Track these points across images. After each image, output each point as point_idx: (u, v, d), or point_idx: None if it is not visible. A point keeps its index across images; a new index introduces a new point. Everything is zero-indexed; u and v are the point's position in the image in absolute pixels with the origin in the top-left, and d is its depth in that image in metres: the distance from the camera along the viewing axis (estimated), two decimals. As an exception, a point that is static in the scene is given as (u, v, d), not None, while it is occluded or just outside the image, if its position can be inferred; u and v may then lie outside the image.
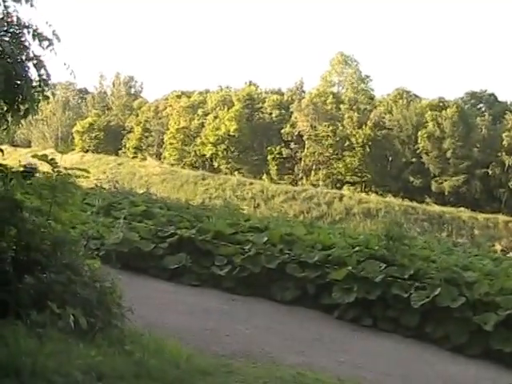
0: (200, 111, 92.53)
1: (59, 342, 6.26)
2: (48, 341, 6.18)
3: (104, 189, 21.63)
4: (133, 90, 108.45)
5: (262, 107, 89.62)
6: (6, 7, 6.94)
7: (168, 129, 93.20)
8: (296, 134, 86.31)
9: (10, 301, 6.56)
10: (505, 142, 77.39)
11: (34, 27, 7.00)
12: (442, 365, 10.67)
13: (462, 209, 72.75)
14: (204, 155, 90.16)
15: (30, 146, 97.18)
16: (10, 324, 6.26)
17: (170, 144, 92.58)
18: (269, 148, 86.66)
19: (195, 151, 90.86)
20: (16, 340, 5.97)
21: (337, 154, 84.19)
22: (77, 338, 6.56)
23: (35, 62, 7.05)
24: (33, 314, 6.52)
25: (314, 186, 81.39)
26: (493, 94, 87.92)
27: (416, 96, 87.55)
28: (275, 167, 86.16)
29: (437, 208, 73.11)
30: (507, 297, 11.88)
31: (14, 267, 6.83)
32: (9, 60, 6.84)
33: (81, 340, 6.56)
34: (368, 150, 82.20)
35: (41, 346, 6.05)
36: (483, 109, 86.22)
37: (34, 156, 7.57)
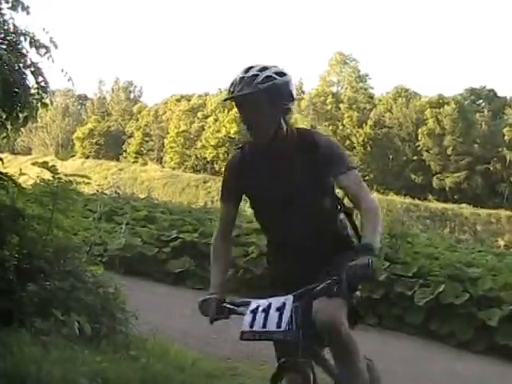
0: (200, 114, 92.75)
1: (64, 349, 6.24)
2: (53, 348, 6.16)
3: (105, 194, 21.61)
4: (132, 95, 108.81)
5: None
6: (1, 14, 6.95)
7: (168, 133, 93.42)
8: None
9: (13, 309, 6.55)
10: (506, 137, 77.50)
11: (31, 34, 7.01)
12: (448, 361, 10.61)
13: (464, 205, 72.83)
14: (205, 158, 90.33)
15: (30, 154, 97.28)
16: (14, 332, 6.23)
17: (171, 148, 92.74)
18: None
19: (196, 154, 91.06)
20: (21, 348, 5.96)
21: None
22: (82, 344, 6.54)
23: (33, 69, 7.05)
24: (37, 321, 6.51)
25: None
26: (492, 90, 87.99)
27: (415, 93, 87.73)
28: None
29: (439, 205, 73.20)
30: (511, 292, 11.87)
31: (17, 275, 6.82)
32: (6, 68, 6.84)
33: (86, 346, 6.55)
34: (369, 148, 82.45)
35: (46, 353, 6.03)
36: (483, 105, 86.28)
37: (34, 163, 7.57)
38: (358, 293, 4.54)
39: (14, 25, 7.01)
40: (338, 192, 4.56)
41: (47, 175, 7.54)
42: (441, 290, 12.02)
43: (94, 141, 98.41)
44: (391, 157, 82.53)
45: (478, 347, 11.31)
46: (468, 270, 12.76)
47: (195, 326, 10.57)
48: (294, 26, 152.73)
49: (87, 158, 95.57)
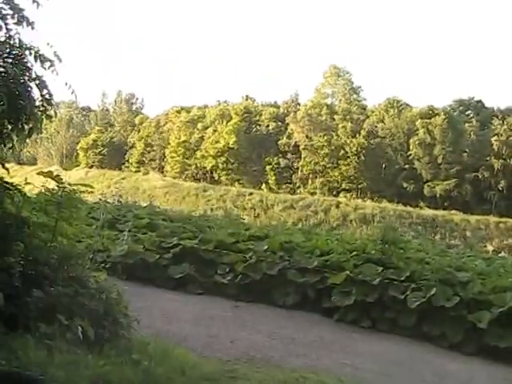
0: (199, 125, 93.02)
1: (68, 354, 6.35)
2: (57, 352, 6.28)
3: (108, 203, 21.72)
4: (134, 107, 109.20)
5: (259, 120, 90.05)
6: (8, 30, 7.08)
7: (169, 143, 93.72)
8: (292, 144, 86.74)
9: (19, 314, 6.64)
10: (494, 147, 78.07)
11: (36, 49, 7.16)
12: (440, 362, 10.86)
13: (454, 212, 73.01)
14: (205, 167, 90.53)
15: (35, 164, 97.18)
16: (19, 337, 6.33)
17: (172, 158, 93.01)
18: (267, 159, 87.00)
19: (196, 164, 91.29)
20: (26, 352, 6.06)
21: (332, 163, 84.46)
22: (85, 348, 6.65)
23: (38, 82, 7.19)
24: (42, 326, 6.62)
25: (311, 194, 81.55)
26: (480, 101, 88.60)
27: (407, 104, 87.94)
28: (273, 177, 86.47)
29: (430, 212, 73.27)
30: (500, 295, 12.15)
31: (23, 281, 6.93)
32: (12, 81, 6.98)
33: (89, 351, 6.66)
34: (362, 158, 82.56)
35: (50, 357, 6.14)
36: (471, 115, 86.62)
37: (39, 173, 7.71)
38: None
39: (19, 39, 7.14)
40: None
41: (52, 184, 7.69)
42: (432, 293, 12.29)
43: (98, 151, 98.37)
44: (384, 166, 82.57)
45: (468, 349, 11.59)
46: (458, 274, 13.07)
47: (195, 330, 10.85)
48: (290, 39, 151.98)
49: (91, 167, 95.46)
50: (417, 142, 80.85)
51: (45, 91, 7.27)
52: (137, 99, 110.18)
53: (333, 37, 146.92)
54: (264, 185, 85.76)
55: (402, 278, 13.02)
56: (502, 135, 79.15)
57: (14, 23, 7.09)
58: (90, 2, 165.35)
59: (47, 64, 7.17)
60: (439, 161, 79.65)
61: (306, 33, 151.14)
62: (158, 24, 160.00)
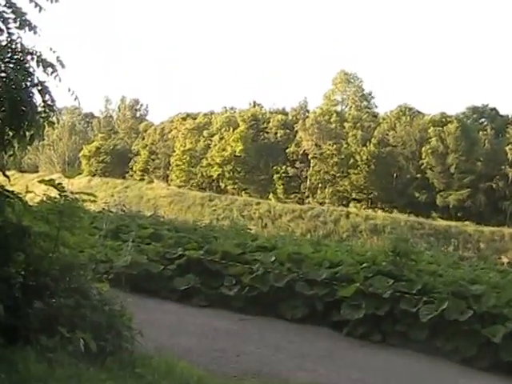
0: (205, 133, 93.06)
1: (69, 367, 6.23)
2: (58, 366, 6.16)
3: (112, 212, 21.61)
4: (138, 114, 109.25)
5: (266, 127, 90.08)
6: (9, 34, 6.95)
7: (174, 151, 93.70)
8: (301, 153, 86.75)
9: (19, 326, 6.53)
10: (509, 155, 77.68)
11: (38, 54, 7.02)
12: (452, 378, 10.66)
13: (467, 222, 72.92)
14: (211, 176, 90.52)
15: (37, 171, 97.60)
16: (19, 349, 6.23)
17: (177, 166, 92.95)
18: (274, 167, 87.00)
19: (202, 172, 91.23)
20: (26, 365, 5.95)
21: (342, 172, 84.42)
22: (87, 362, 6.53)
23: (40, 88, 7.05)
24: (42, 338, 6.50)
25: (320, 204, 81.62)
26: (494, 109, 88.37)
27: (419, 112, 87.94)
28: (281, 186, 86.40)
29: (442, 222, 73.25)
30: (515, 308, 11.92)
31: (23, 292, 6.82)
32: (13, 87, 6.86)
33: (91, 364, 6.54)
34: (373, 167, 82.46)
35: (51, 370, 6.03)
36: (485, 123, 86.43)
37: (41, 181, 7.60)
38: None
39: (21, 44, 7.01)
40: None
41: (54, 193, 7.57)
42: (445, 306, 12.06)
43: (101, 159, 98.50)
44: (395, 175, 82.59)
45: (482, 364, 11.35)
46: (472, 287, 12.81)
47: (200, 344, 10.67)
48: (298, 44, 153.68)
49: (94, 175, 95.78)
50: (429, 151, 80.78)
51: (47, 97, 7.13)
52: (141, 105, 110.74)
53: (342, 42, 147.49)
54: (271, 194, 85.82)
55: (414, 291, 12.78)
56: (517, 144, 78.78)
57: (16, 27, 6.94)
58: (89, 3, 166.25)
59: (50, 69, 7.04)
60: (452, 170, 79.54)
61: (314, 37, 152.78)
62: (158, 24, 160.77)
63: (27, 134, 7.17)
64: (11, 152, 7.31)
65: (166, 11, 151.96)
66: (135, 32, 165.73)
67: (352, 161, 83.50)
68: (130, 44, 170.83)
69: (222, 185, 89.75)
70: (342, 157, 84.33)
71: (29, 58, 7.03)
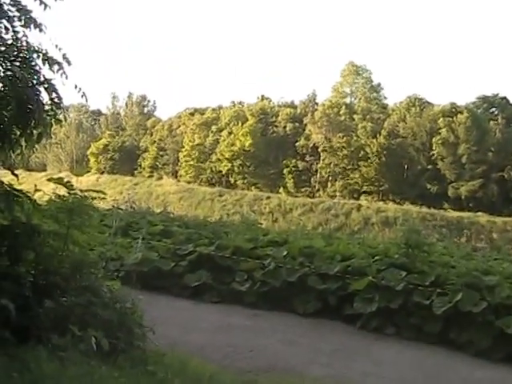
0: (214, 127, 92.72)
1: (81, 365, 6.23)
2: (70, 364, 6.15)
3: (121, 209, 21.59)
4: (146, 110, 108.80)
5: (275, 121, 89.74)
6: (15, 32, 6.93)
7: (183, 146, 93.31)
8: (311, 146, 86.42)
9: (30, 325, 6.53)
10: (521, 145, 77.30)
11: (44, 51, 7.00)
12: (467, 370, 10.57)
13: (479, 213, 72.40)
14: (220, 171, 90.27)
15: (45, 170, 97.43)
16: (31, 349, 6.22)
17: (186, 162, 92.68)
18: (284, 161, 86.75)
19: (211, 168, 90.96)
20: (38, 364, 5.94)
21: (352, 165, 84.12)
22: (99, 360, 6.53)
23: (46, 85, 7.03)
24: (54, 337, 6.50)
25: (331, 197, 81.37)
26: (505, 98, 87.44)
27: (428, 103, 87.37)
28: (292, 180, 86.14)
29: (454, 213, 72.82)
30: (529, 299, 11.82)
31: (34, 292, 6.82)
32: (20, 85, 6.84)
33: (103, 362, 6.53)
34: (383, 158, 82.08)
35: (63, 369, 6.02)
36: (496, 112, 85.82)
37: (49, 179, 7.58)
38: None
39: (27, 42, 6.99)
40: None
41: (62, 191, 7.55)
42: (458, 298, 11.97)
43: (109, 156, 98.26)
44: (406, 166, 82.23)
45: (496, 355, 11.23)
46: (485, 278, 12.70)
47: (214, 340, 10.64)
48: (306, 37, 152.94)
49: (102, 173, 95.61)
50: (440, 142, 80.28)
51: (54, 95, 7.11)
52: (148, 101, 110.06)
53: (351, 33, 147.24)
54: (282, 188, 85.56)
55: (427, 283, 12.71)
56: (528, 133, 78.33)
57: (22, 25, 6.93)
58: (89, 2, 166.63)
59: (56, 67, 7.01)
60: (463, 160, 78.98)
61: (322, 29, 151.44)
62: (169, 24, 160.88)
63: (34, 132, 7.16)
64: (19, 151, 7.30)
65: (169, 8, 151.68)
66: (132, 27, 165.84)
67: (362, 153, 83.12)
68: (127, 40, 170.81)
69: (232, 180, 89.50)
70: (352, 149, 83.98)
71: (35, 55, 7.00)
